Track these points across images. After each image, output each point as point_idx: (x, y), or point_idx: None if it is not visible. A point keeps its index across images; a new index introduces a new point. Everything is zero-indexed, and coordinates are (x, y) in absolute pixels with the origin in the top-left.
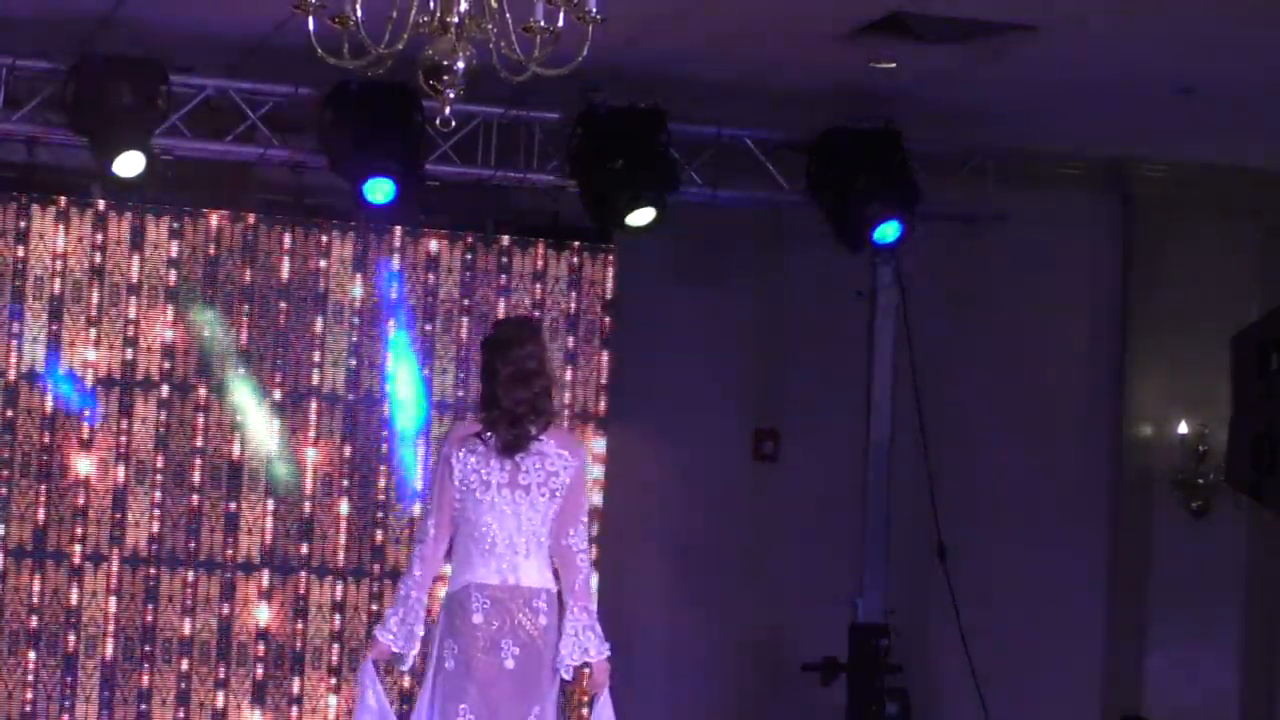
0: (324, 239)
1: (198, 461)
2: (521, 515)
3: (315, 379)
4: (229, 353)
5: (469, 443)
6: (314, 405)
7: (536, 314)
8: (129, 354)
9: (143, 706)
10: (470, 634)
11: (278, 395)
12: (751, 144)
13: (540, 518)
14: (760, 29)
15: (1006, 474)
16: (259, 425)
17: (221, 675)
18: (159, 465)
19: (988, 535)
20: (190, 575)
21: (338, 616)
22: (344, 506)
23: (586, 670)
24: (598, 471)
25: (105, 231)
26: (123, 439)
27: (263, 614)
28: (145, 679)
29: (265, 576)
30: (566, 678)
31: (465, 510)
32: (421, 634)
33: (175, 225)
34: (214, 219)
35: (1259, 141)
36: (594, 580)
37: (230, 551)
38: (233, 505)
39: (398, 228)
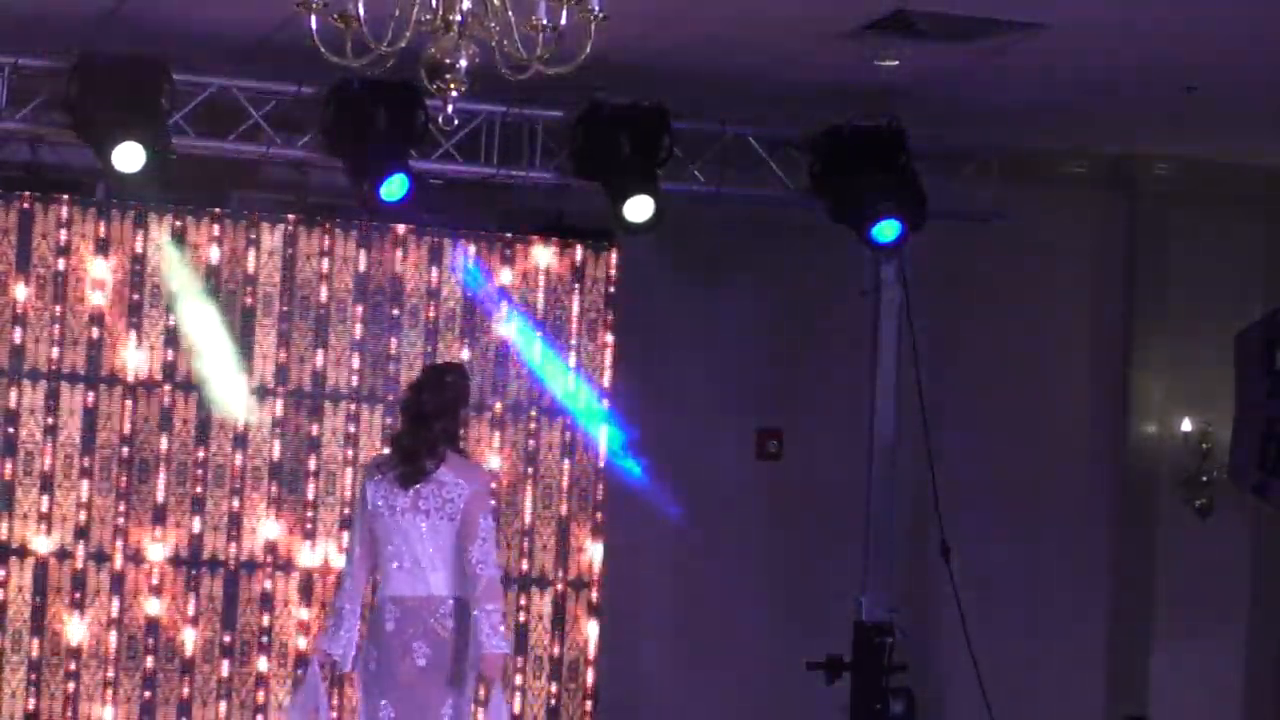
0: (328, 237)
1: (200, 461)
2: (425, 536)
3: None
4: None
5: (378, 472)
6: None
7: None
8: (130, 352)
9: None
10: (385, 641)
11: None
12: (754, 141)
13: (442, 538)
14: (764, 26)
15: (1010, 472)
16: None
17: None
18: (169, 463)
19: (991, 534)
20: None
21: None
22: None
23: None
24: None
25: (109, 230)
26: (127, 437)
27: None
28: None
29: None
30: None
31: (377, 531)
32: (356, 640)
33: (177, 223)
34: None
35: (1264, 139)
36: (498, 584)
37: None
38: (236, 504)
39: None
